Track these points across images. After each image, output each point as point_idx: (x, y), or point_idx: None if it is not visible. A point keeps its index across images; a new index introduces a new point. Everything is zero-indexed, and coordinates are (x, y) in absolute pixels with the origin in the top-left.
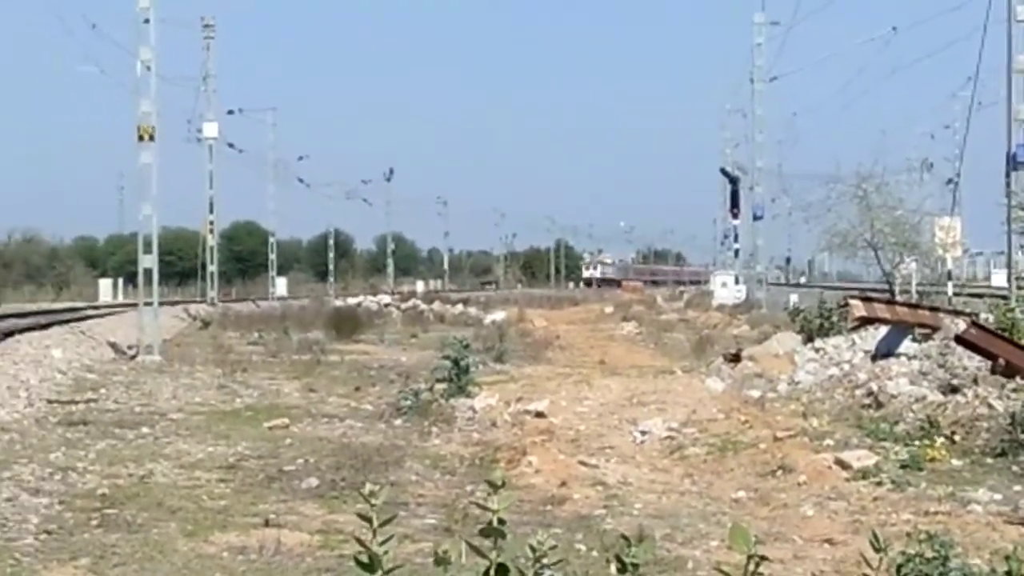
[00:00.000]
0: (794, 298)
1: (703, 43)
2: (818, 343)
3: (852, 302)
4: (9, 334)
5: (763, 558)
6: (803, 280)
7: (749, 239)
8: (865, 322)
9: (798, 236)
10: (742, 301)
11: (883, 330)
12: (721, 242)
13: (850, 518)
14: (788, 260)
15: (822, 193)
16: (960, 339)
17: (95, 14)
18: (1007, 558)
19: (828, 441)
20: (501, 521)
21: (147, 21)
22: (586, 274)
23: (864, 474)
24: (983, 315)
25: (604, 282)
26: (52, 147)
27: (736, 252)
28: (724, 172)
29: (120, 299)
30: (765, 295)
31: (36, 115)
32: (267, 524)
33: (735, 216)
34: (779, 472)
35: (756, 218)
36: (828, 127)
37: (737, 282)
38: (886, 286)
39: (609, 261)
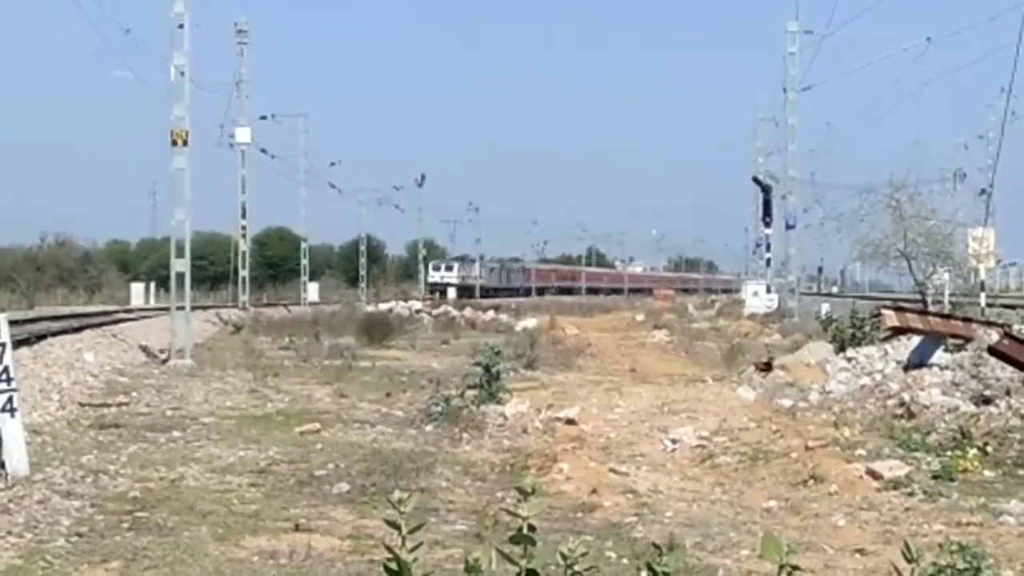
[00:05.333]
0: (826, 307)
1: (736, 52)
2: (850, 353)
3: (884, 312)
4: (42, 337)
5: (795, 567)
6: (835, 290)
7: (781, 248)
8: (897, 332)
9: (830, 246)
10: (774, 310)
11: (915, 340)
12: (753, 251)
13: (881, 528)
14: (820, 270)
15: (855, 203)
16: (993, 350)
17: (129, 20)
18: None
19: (860, 451)
20: (531, 528)
21: (181, 26)
22: (433, 279)
23: (896, 484)
24: (1016, 326)
25: (464, 290)
26: (86, 151)
27: (768, 261)
28: (756, 181)
29: (152, 303)
30: (797, 304)
31: (70, 119)
32: (298, 529)
33: (767, 225)
34: (810, 482)
35: (788, 227)
36: (861, 137)
37: (769, 291)
38: (919, 296)
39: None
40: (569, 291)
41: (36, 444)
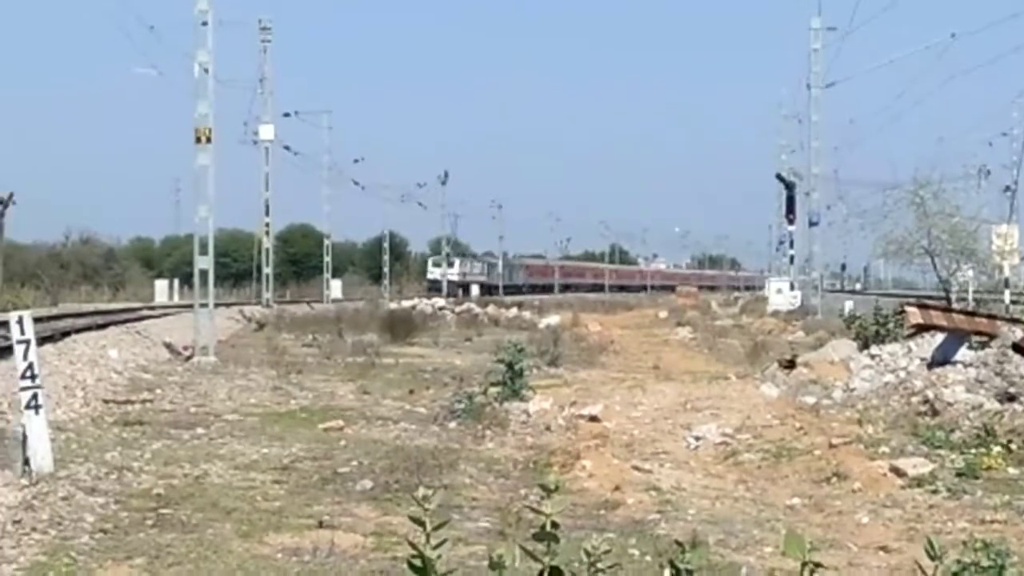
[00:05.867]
0: (849, 305)
1: (760, 48)
2: (874, 350)
3: (908, 309)
4: (66, 334)
5: (818, 565)
6: (858, 287)
7: (805, 245)
8: (921, 329)
9: (854, 242)
10: (797, 307)
11: (939, 337)
12: (776, 248)
13: (905, 526)
14: (843, 267)
15: (878, 199)
16: (1017, 347)
17: (153, 16)
18: None
19: (883, 448)
20: (555, 525)
21: (205, 24)
22: (433, 275)
23: (919, 482)
24: None
25: (465, 288)
26: (109, 148)
27: (791, 258)
28: (780, 178)
29: (176, 300)
30: (820, 301)
31: (94, 116)
32: (321, 525)
33: (791, 222)
34: (834, 479)
35: (812, 224)
36: (885, 133)
37: (792, 288)
38: (942, 293)
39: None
40: (571, 288)
41: (60, 441)
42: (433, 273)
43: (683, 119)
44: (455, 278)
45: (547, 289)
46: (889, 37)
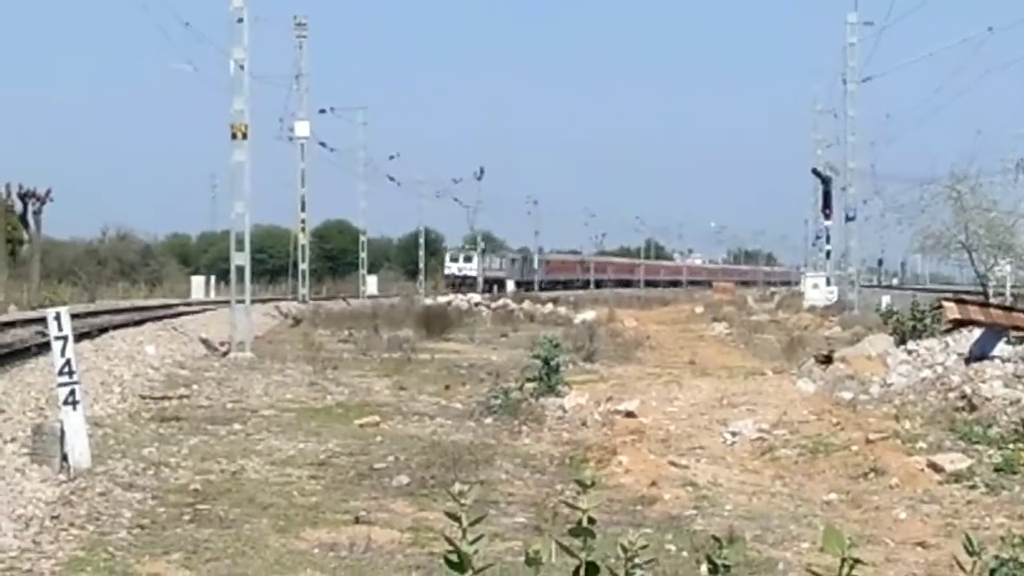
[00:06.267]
0: (886, 300)
1: (795, 43)
2: (911, 345)
3: (945, 304)
4: (103, 330)
5: (857, 560)
6: (895, 282)
7: (841, 240)
8: (959, 324)
9: (891, 237)
10: (834, 302)
11: (977, 332)
12: (812, 243)
13: (943, 521)
14: (880, 262)
15: (915, 194)
16: None
17: (189, 13)
18: None
19: (921, 444)
20: (591, 520)
21: (240, 20)
22: (450, 270)
23: (957, 477)
24: None
25: (485, 284)
26: (146, 145)
27: (828, 253)
28: (816, 173)
29: (212, 296)
30: (857, 297)
31: (130, 113)
32: (358, 521)
33: (827, 217)
34: (871, 474)
35: (848, 219)
36: (922, 128)
37: (829, 283)
38: (980, 288)
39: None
40: (599, 284)
41: (98, 437)
42: (451, 268)
43: (719, 114)
44: (474, 273)
45: (567, 285)
46: (926, 31)
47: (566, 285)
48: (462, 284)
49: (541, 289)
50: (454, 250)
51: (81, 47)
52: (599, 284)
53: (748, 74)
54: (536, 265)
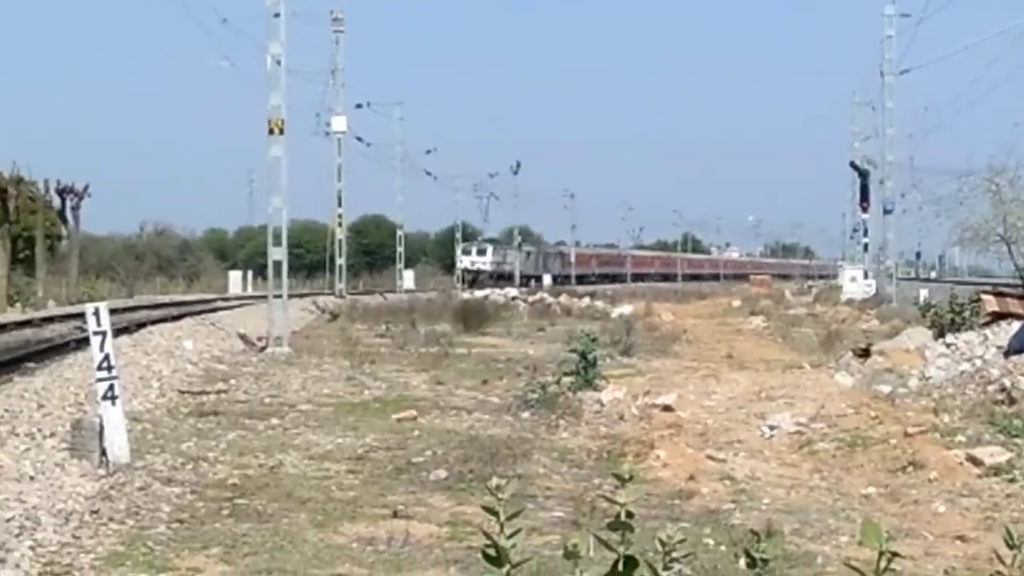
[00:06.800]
0: (924, 293)
1: (832, 35)
2: (949, 338)
3: (984, 297)
4: (142, 325)
5: (895, 554)
6: (933, 275)
7: (879, 233)
8: (998, 317)
9: (929, 230)
10: (871, 296)
11: (1016, 325)
12: (850, 236)
13: (982, 515)
14: (918, 255)
15: (953, 187)
16: None
17: (226, 9)
18: None
19: (959, 437)
20: (629, 514)
21: (277, 15)
22: (463, 264)
23: (996, 471)
24: None
25: (500, 277)
26: (184, 140)
27: (865, 246)
28: (853, 166)
29: (249, 291)
30: (895, 290)
31: (168, 109)
32: (395, 515)
33: (865, 210)
34: (909, 468)
35: (886, 212)
36: (960, 120)
37: (866, 276)
38: (1019, 281)
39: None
40: (613, 278)
41: (137, 431)
42: (463, 262)
43: (757, 107)
44: (488, 267)
45: (583, 280)
46: (964, 23)
47: (581, 280)
48: (476, 279)
49: (559, 284)
50: (467, 243)
51: (120, 44)
52: (603, 279)
53: (786, 67)
54: (539, 259)
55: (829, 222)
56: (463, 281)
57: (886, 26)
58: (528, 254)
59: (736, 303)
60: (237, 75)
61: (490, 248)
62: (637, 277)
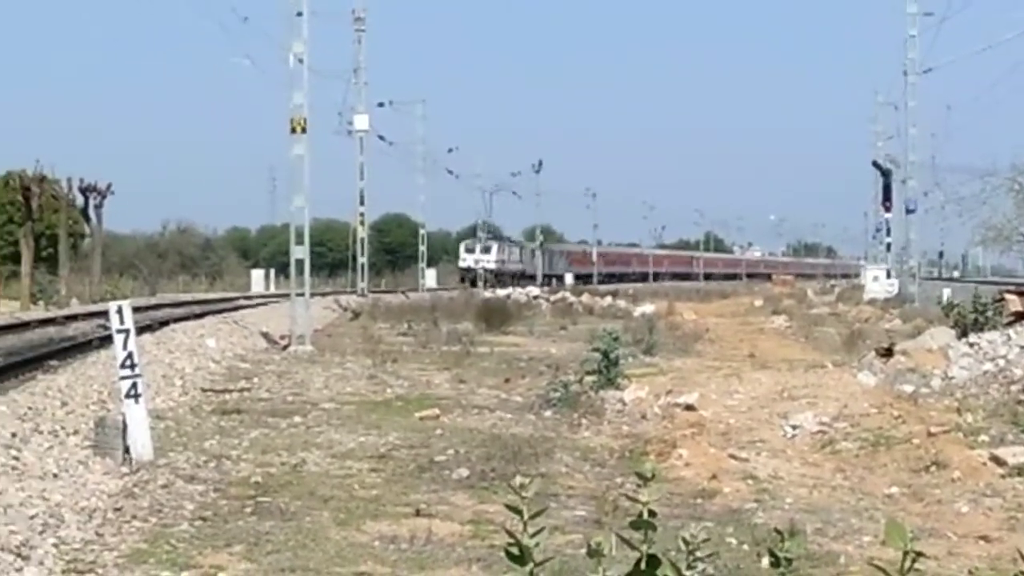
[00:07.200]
0: (947, 292)
1: (855, 34)
2: (972, 338)
3: (1008, 296)
4: (165, 323)
5: (920, 554)
6: (956, 274)
7: (901, 232)
8: (1021, 317)
9: (951, 230)
10: (894, 295)
11: None
12: (872, 236)
13: (1006, 515)
14: (941, 254)
15: (976, 186)
16: None
17: (247, 7)
18: None
19: (983, 437)
20: (652, 513)
21: (299, 14)
22: (465, 263)
23: (1020, 471)
24: None
25: (501, 276)
26: (206, 139)
27: (888, 246)
28: (876, 165)
29: (272, 289)
30: (917, 289)
31: (190, 107)
32: (418, 514)
33: (887, 209)
34: (933, 468)
35: (909, 211)
36: (983, 120)
37: (889, 276)
38: None
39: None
40: (615, 277)
41: (160, 429)
42: (466, 260)
43: (779, 106)
44: (492, 266)
45: (587, 279)
46: (987, 22)
47: (586, 279)
48: (476, 278)
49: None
50: (468, 240)
51: (140, 42)
52: (608, 278)
53: (809, 66)
54: (543, 257)
55: (851, 221)
56: (463, 281)
57: (909, 25)
58: (533, 252)
59: (758, 302)
60: (259, 74)
61: (495, 246)
62: (646, 276)
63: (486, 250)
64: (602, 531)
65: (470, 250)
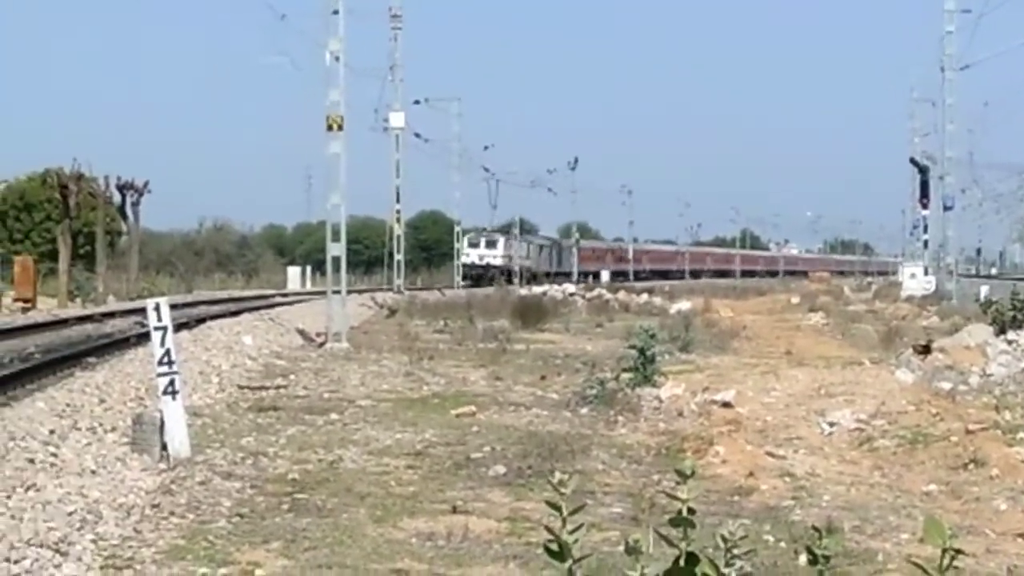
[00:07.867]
0: (985, 289)
1: (892, 31)
2: (1011, 335)
3: None
4: (201, 320)
5: (959, 551)
6: (994, 271)
7: (939, 229)
8: None
9: (989, 227)
10: (931, 292)
11: None
12: (910, 233)
13: None
14: (979, 251)
15: (1014, 183)
16: None
17: (284, 5)
18: None
19: (1021, 435)
20: (690, 511)
21: (336, 12)
22: (469, 258)
23: None
24: None
25: (509, 273)
26: (242, 137)
27: (925, 243)
28: (913, 162)
29: (308, 287)
30: (955, 286)
31: (227, 105)
32: (455, 511)
33: (924, 206)
34: (971, 465)
35: (946, 208)
36: (1021, 116)
37: (926, 273)
38: None
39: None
40: (623, 275)
41: (197, 426)
42: (469, 256)
43: (816, 103)
44: (498, 261)
45: (595, 277)
46: None
47: (595, 277)
48: (482, 276)
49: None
50: (474, 234)
51: (178, 41)
52: (617, 276)
53: (846, 63)
54: (553, 253)
55: (888, 218)
56: (466, 278)
57: (946, 22)
58: (540, 248)
59: (795, 299)
60: (295, 71)
61: (501, 240)
62: (655, 274)
63: (491, 244)
64: (639, 528)
65: (474, 244)
